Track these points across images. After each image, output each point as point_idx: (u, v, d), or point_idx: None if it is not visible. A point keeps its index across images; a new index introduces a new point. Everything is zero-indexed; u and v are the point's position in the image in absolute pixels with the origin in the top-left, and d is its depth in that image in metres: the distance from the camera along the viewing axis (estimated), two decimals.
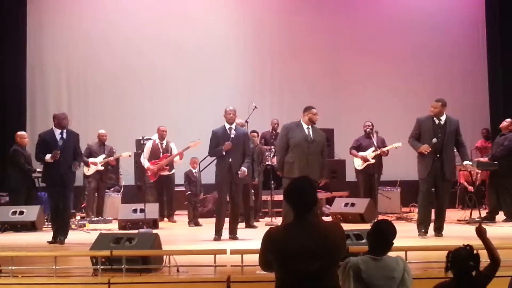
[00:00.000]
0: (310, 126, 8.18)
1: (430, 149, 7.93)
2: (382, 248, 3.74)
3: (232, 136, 8.26)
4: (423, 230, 7.96)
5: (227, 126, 8.36)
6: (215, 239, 8.09)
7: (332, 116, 12.42)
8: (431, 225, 8.09)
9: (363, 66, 13.43)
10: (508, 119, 10.13)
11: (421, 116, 8.26)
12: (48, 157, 8.12)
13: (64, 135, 8.24)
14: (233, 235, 8.23)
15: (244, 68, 13.51)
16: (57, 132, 8.24)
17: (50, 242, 8.09)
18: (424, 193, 8.04)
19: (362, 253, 3.83)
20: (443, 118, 8.07)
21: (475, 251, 3.69)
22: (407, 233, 7.85)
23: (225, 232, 8.23)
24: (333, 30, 13.64)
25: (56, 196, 8.25)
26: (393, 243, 3.78)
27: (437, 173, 7.97)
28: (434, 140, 7.96)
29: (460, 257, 3.68)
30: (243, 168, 8.19)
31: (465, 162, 8.45)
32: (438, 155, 7.98)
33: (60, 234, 8.12)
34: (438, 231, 8.00)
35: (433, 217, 8.16)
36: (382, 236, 3.76)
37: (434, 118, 8.07)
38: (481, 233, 3.88)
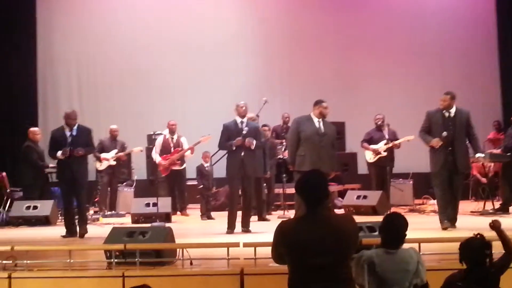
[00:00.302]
0: (320, 120, 8.16)
1: (441, 143, 7.89)
2: (395, 241, 3.74)
3: (244, 132, 8.26)
4: (445, 221, 7.88)
5: (239, 119, 8.37)
6: (228, 232, 8.11)
7: (343, 109, 12.39)
8: None
9: (373, 61, 13.32)
10: None
11: (430, 109, 8.21)
12: (59, 153, 8.21)
13: (74, 132, 8.30)
14: (245, 228, 8.25)
15: (253, 66, 13.45)
16: (67, 129, 8.32)
17: (64, 236, 8.18)
18: (439, 186, 7.99)
19: (376, 246, 3.83)
20: (452, 110, 7.99)
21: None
22: (420, 225, 7.84)
23: (238, 225, 8.25)
24: (343, 27, 13.53)
25: (68, 192, 8.36)
26: (405, 235, 3.78)
27: (450, 166, 7.90)
28: (444, 133, 7.89)
29: (473, 247, 3.68)
30: (254, 141, 8.19)
31: (477, 155, 8.39)
32: (450, 148, 7.92)
33: (81, 227, 8.25)
34: (452, 222, 7.97)
35: None
36: (394, 229, 3.76)
37: (444, 111, 7.99)
38: (495, 227, 3.87)
